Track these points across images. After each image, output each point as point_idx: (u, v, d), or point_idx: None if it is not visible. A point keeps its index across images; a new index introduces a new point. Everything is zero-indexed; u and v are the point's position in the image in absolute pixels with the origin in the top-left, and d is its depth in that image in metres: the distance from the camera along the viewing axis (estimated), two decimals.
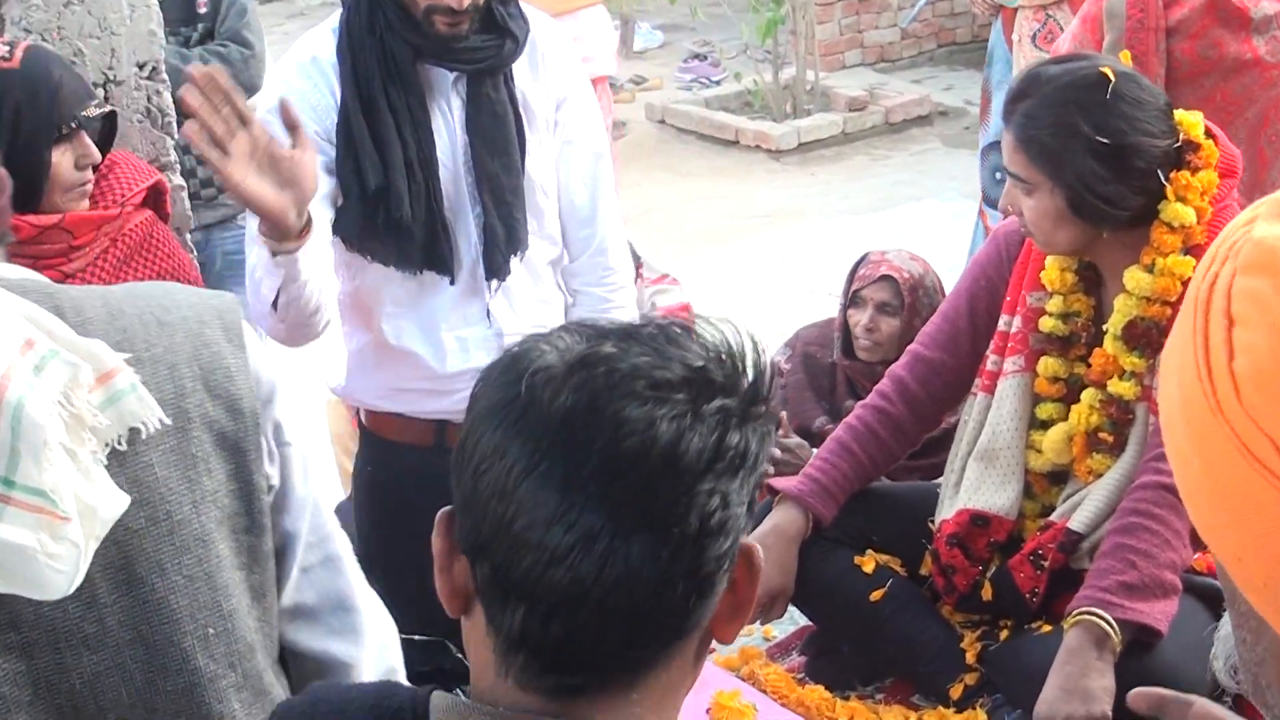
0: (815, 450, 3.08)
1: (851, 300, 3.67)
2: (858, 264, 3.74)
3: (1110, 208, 2.64)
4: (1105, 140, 2.59)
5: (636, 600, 1.01)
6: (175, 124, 3.19)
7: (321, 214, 2.55)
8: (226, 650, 1.43)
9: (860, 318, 3.63)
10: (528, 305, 2.84)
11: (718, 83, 9.98)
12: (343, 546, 1.62)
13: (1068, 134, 2.61)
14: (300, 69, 2.68)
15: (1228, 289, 0.78)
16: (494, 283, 2.76)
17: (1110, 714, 2.49)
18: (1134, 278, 2.70)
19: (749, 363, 1.08)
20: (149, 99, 3.19)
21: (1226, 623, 1.10)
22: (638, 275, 4.16)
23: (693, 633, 1.07)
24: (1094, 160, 2.60)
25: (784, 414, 3.63)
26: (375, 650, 1.64)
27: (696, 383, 1.04)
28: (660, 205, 7.94)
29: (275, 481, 1.50)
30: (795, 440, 3.55)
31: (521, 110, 2.74)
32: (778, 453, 3.50)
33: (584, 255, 2.89)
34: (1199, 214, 2.67)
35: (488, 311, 2.79)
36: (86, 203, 2.78)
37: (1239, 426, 0.76)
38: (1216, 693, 2.75)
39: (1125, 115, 2.60)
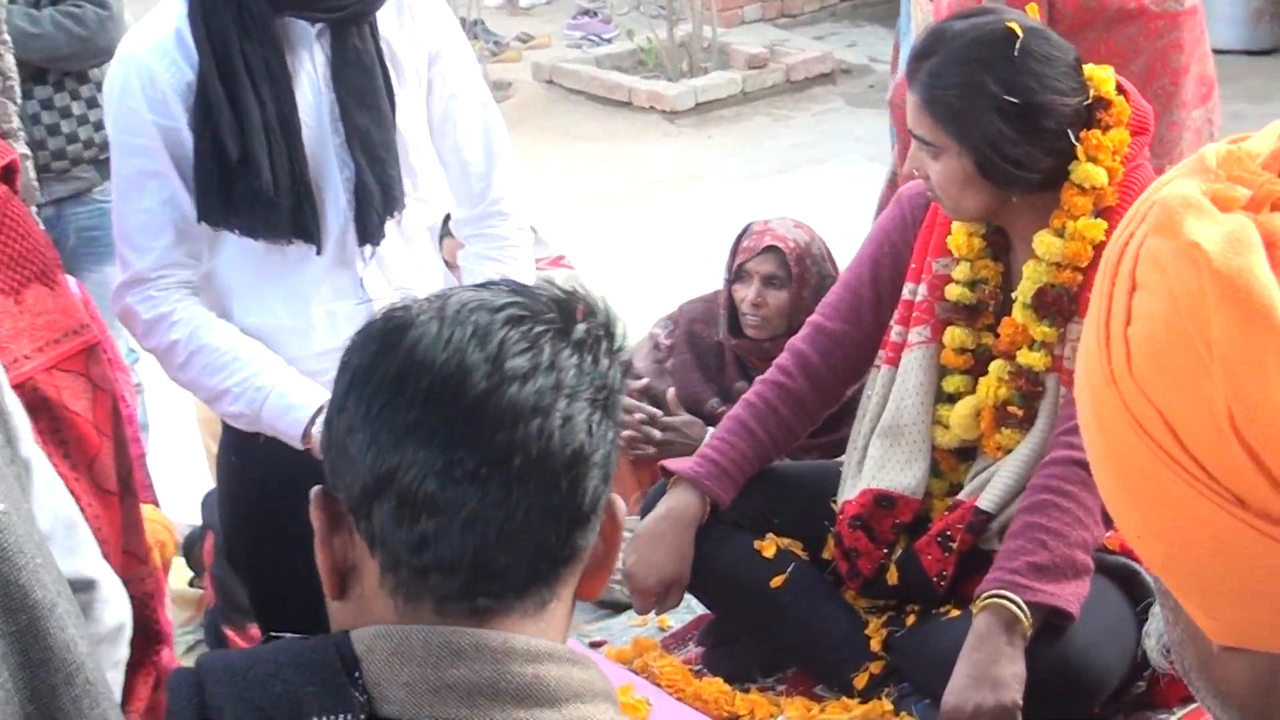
0: (709, 429, 2.93)
1: (736, 275, 3.50)
2: (740, 236, 3.59)
3: (1020, 170, 2.53)
4: (1014, 99, 2.48)
5: (531, 527, 1.08)
6: (18, 88, 2.96)
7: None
8: (53, 579, 1.47)
9: (746, 293, 3.47)
10: (403, 275, 2.68)
11: (609, 40, 9.72)
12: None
13: (974, 93, 2.49)
14: (157, 50, 2.48)
15: (1136, 251, 0.76)
16: (367, 249, 2.60)
17: (1020, 702, 2.39)
18: (1044, 242, 2.59)
19: (594, 301, 1.17)
20: None
21: None
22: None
23: (576, 562, 1.13)
24: (1002, 121, 2.49)
25: (671, 391, 3.48)
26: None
27: (554, 322, 1.12)
28: (550, 170, 7.74)
29: None
30: (683, 417, 3.40)
31: (389, 63, 2.58)
32: (657, 433, 3.35)
33: (476, 210, 2.74)
34: (1110, 174, 2.57)
35: (360, 282, 2.63)
36: None
37: (1129, 396, 0.74)
38: (1135, 676, 2.65)
39: (1034, 73, 2.48)
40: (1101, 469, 0.79)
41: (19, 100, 2.99)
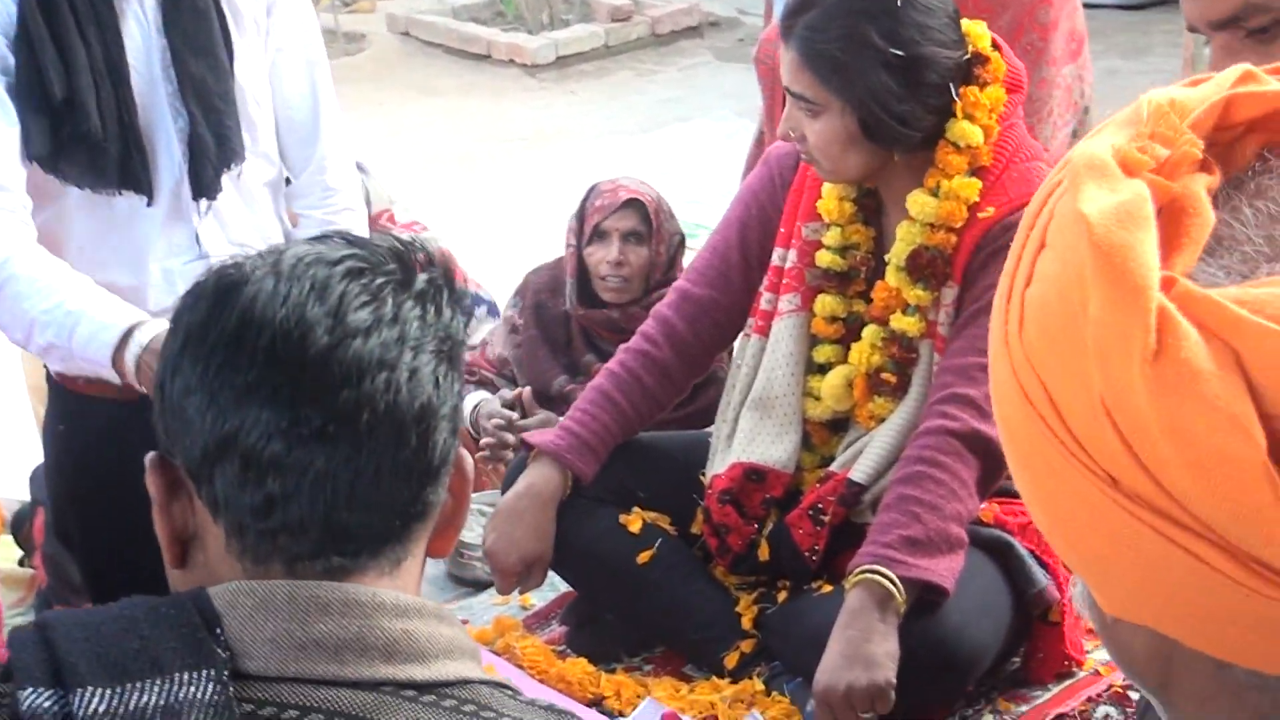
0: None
1: (592, 236, 3.37)
2: (586, 198, 3.45)
3: (904, 128, 2.44)
4: (899, 52, 2.38)
5: (382, 484, 1.07)
6: None
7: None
8: None
9: (605, 253, 3.33)
10: (242, 232, 2.56)
11: None
12: None
13: (858, 46, 2.39)
14: None
15: (1054, 208, 0.72)
16: (203, 203, 2.49)
17: (895, 680, 2.31)
18: (917, 202, 2.51)
19: (432, 250, 1.15)
20: None
21: None
22: (386, 217, 3.83)
23: (428, 518, 1.11)
24: (888, 75, 2.39)
25: (527, 391, 3.32)
26: None
27: (394, 274, 1.10)
28: (406, 127, 7.53)
29: None
30: (539, 416, 3.24)
31: (225, 9, 2.46)
32: (512, 438, 3.19)
33: (304, 174, 2.64)
34: (986, 133, 2.51)
35: (196, 238, 2.51)
36: None
37: (1018, 362, 0.71)
38: (1010, 652, 2.59)
39: (917, 24, 2.40)
40: (1001, 430, 0.75)
41: None
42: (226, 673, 1.02)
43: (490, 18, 9.00)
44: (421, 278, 1.11)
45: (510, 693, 1.12)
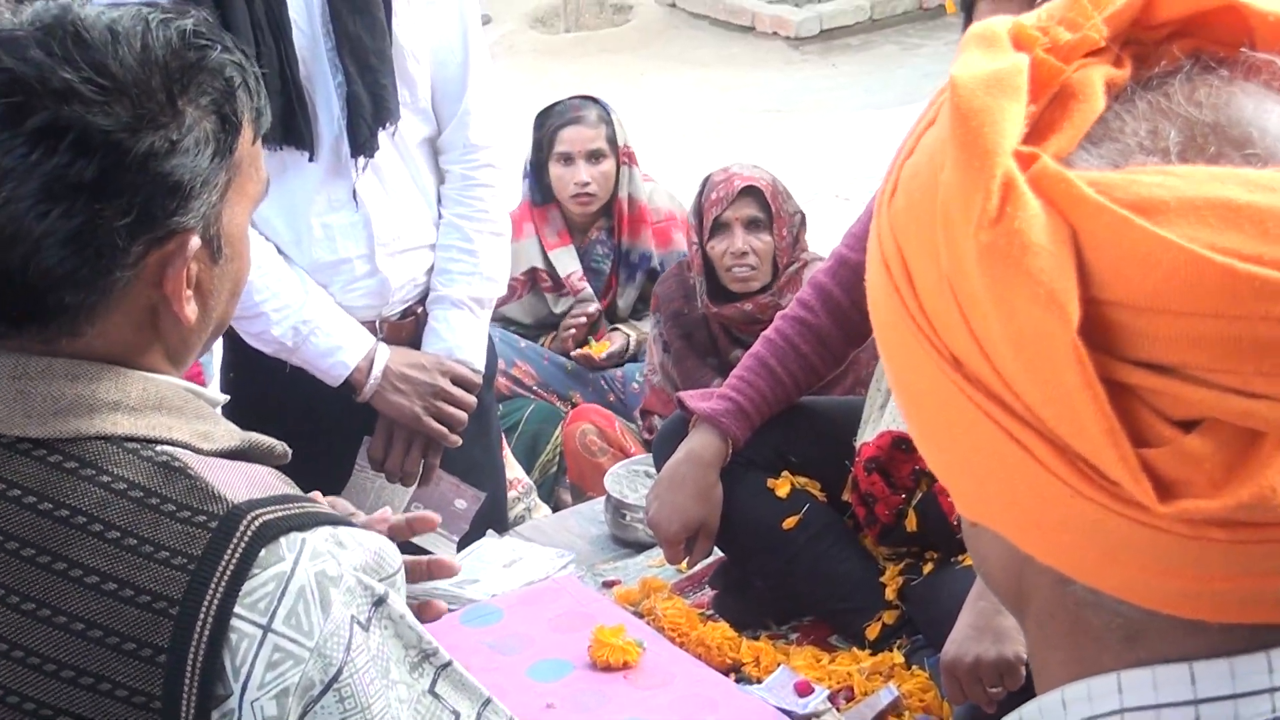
0: None
1: (713, 230, 3.34)
2: (701, 192, 3.42)
3: None
4: None
5: (23, 253, 1.20)
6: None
7: None
8: None
9: (728, 245, 3.30)
10: (399, 188, 2.62)
11: None
12: None
13: None
14: None
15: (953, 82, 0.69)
16: (360, 160, 2.53)
17: (1024, 656, 2.22)
18: None
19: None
20: None
21: None
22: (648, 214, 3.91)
23: (106, 291, 1.24)
24: None
25: (655, 419, 3.32)
26: None
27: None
28: (665, 97, 7.58)
29: None
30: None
31: None
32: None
33: (448, 128, 2.67)
34: None
35: (354, 193, 2.55)
36: None
37: (883, 230, 0.71)
38: None
39: None
40: (871, 308, 0.74)
41: None
42: None
43: None
44: (40, 116, 1.19)
45: (138, 445, 1.24)
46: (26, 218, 1.20)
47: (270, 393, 2.62)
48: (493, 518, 2.97)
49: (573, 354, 4.00)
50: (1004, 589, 0.74)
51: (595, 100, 4.07)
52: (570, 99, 4.10)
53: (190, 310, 1.30)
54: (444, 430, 2.68)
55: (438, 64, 2.62)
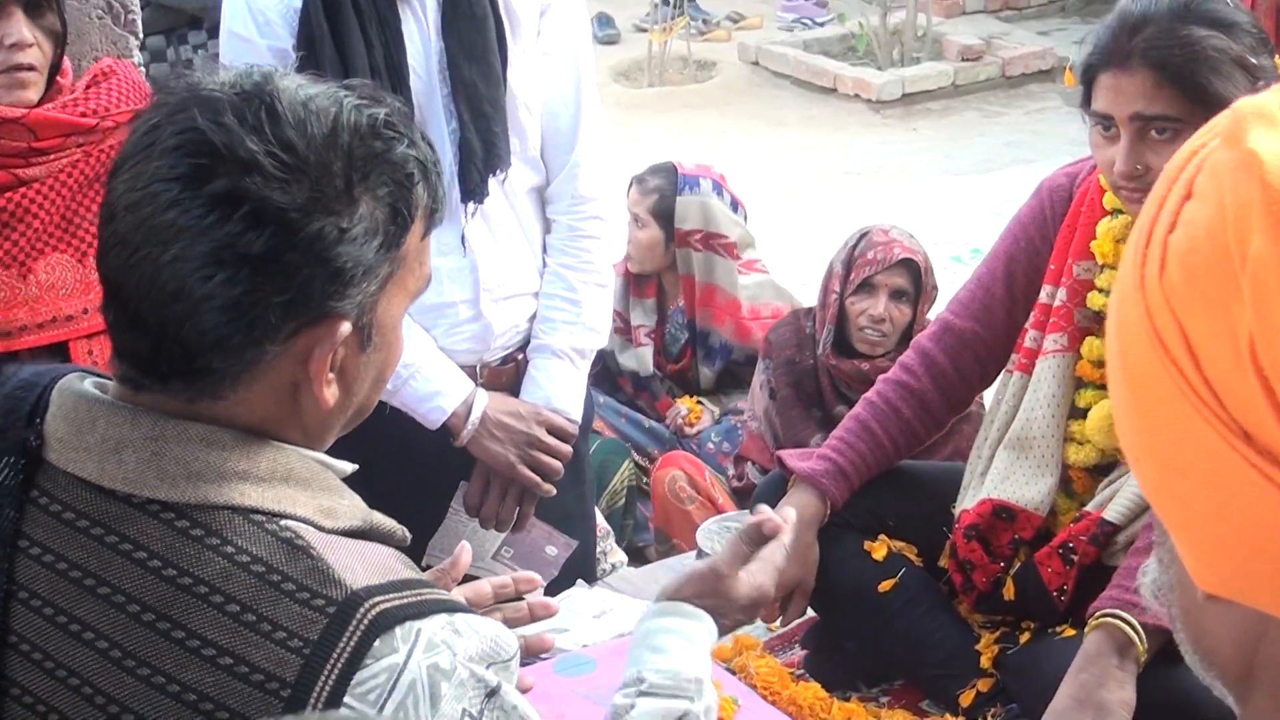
0: None
1: (859, 286, 3.34)
2: (857, 244, 3.40)
3: None
4: (1252, 60, 2.22)
5: (181, 310, 1.22)
6: (139, 21, 2.96)
7: None
8: None
9: (869, 306, 3.30)
10: (507, 235, 2.64)
11: (822, 24, 9.50)
12: None
13: (1217, 54, 2.21)
14: None
15: (1202, 160, 0.72)
16: (470, 206, 2.56)
17: None
18: None
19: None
20: None
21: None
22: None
23: (206, 377, 1.26)
24: (1244, 81, 2.21)
25: (748, 466, 3.32)
26: None
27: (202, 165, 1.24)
28: (745, 155, 7.60)
29: None
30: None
31: (504, 14, 2.52)
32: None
33: (557, 179, 2.69)
34: None
35: (463, 238, 2.58)
36: (30, 94, 2.56)
37: (1154, 305, 0.70)
38: None
39: (1251, 34, 2.25)
40: (1114, 381, 0.75)
41: (139, 34, 2.98)
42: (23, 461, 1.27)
43: (841, 52, 9.02)
44: (222, 182, 1.20)
45: (264, 518, 1.23)
46: (191, 278, 1.21)
47: (370, 433, 2.64)
48: (582, 568, 2.98)
49: (669, 423, 4.03)
50: (1231, 663, 0.73)
51: (669, 172, 4.02)
52: (660, 163, 4.10)
53: (330, 393, 1.30)
54: (538, 479, 2.70)
55: (550, 115, 2.65)
